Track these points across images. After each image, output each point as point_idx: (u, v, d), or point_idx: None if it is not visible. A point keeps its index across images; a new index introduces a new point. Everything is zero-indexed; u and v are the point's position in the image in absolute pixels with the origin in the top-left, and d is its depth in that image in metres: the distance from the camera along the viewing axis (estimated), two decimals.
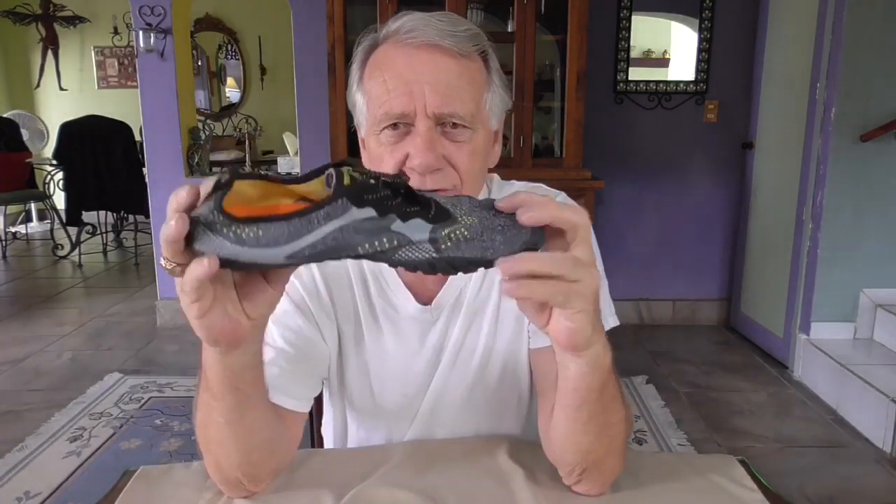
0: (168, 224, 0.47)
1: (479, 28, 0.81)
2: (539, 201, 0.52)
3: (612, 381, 0.66)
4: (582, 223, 0.54)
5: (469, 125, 0.75)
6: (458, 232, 0.50)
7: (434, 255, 0.50)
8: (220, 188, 0.47)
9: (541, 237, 0.53)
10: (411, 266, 0.51)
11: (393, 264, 0.51)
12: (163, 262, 0.50)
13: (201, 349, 0.61)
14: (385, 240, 0.50)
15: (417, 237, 0.50)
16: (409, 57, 0.74)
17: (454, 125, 0.74)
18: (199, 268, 0.48)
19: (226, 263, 0.48)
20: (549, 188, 0.92)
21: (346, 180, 0.48)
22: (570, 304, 0.54)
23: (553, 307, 0.56)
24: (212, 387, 0.64)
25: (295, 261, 0.49)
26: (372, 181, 0.49)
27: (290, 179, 0.50)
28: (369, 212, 0.49)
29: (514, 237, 0.52)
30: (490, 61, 0.79)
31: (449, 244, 0.50)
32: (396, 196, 0.50)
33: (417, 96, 0.72)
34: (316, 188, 0.50)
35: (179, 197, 0.48)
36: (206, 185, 0.48)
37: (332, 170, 0.49)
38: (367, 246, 0.49)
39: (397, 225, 0.50)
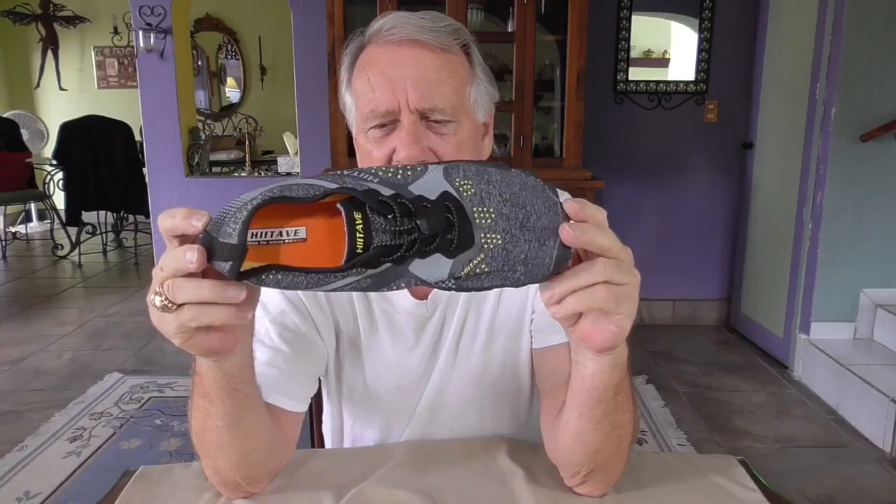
0: (185, 258, 0.47)
1: (477, 27, 0.82)
2: (590, 227, 0.51)
3: (627, 380, 0.66)
4: (615, 247, 0.52)
5: (452, 118, 0.76)
6: (479, 267, 0.49)
7: (454, 287, 0.50)
8: (234, 253, 0.46)
9: (565, 260, 0.51)
10: (427, 286, 0.50)
11: (410, 287, 0.51)
12: (157, 300, 0.50)
13: (193, 356, 0.61)
14: (403, 282, 0.49)
15: (436, 277, 0.49)
16: (391, 54, 0.75)
17: (438, 119, 0.75)
18: (226, 295, 0.49)
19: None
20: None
21: (360, 245, 0.47)
22: (620, 309, 0.54)
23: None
24: (209, 392, 0.64)
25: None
26: (392, 239, 0.47)
27: (303, 198, 0.48)
28: (386, 265, 0.48)
29: (536, 267, 0.49)
30: (472, 55, 0.80)
31: (470, 280, 0.49)
32: (413, 243, 0.48)
33: (400, 92, 0.73)
34: (331, 201, 0.49)
35: (192, 227, 0.48)
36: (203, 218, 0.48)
37: (343, 211, 0.48)
38: (384, 288, 0.49)
39: (416, 265, 0.48)
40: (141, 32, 3.31)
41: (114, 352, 3.24)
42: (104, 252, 5.38)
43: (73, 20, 6.55)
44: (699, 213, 3.57)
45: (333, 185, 0.48)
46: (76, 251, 5.16)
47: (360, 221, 0.48)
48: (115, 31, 6.57)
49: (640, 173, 3.52)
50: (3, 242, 5.43)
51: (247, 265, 0.47)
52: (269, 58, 6.59)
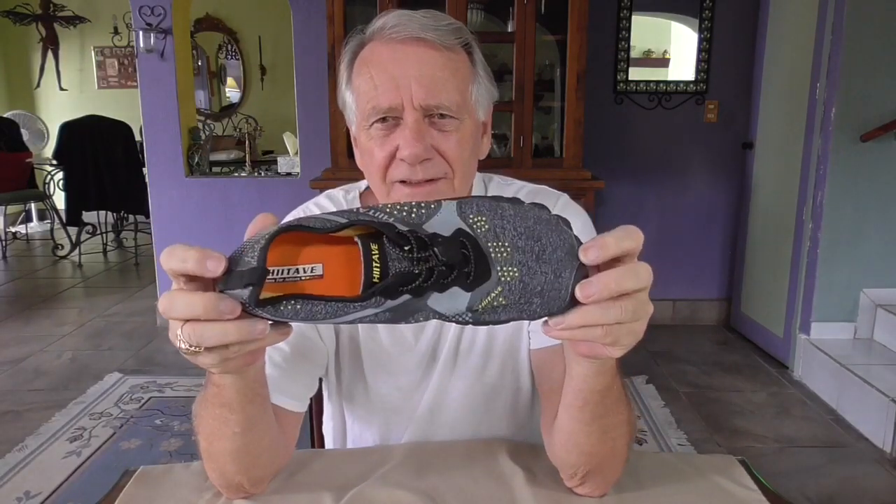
0: (212, 304, 0.46)
1: (477, 27, 0.82)
2: (609, 247, 0.49)
3: (617, 384, 0.66)
4: (640, 287, 0.51)
5: (455, 115, 0.76)
6: (497, 301, 0.49)
7: (470, 320, 0.50)
8: (254, 276, 0.46)
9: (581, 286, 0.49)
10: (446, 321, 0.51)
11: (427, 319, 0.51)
12: (182, 345, 0.49)
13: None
14: (422, 317, 0.49)
15: (454, 311, 0.49)
16: (394, 52, 0.75)
17: (441, 116, 0.75)
18: (253, 332, 0.48)
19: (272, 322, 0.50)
20: (551, 189, 0.92)
21: (376, 275, 0.47)
22: (621, 343, 0.53)
23: None
24: (229, 402, 0.63)
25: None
26: (410, 267, 0.47)
27: (319, 229, 0.48)
28: (405, 297, 0.48)
29: (552, 299, 0.49)
30: (474, 54, 0.80)
31: (487, 314, 0.49)
32: (431, 272, 0.47)
33: (404, 89, 0.73)
34: (353, 232, 0.49)
35: (210, 268, 0.46)
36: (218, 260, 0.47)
37: (359, 243, 0.48)
38: (402, 322, 0.49)
39: (434, 299, 0.48)
40: (141, 32, 3.31)
41: (114, 352, 3.24)
42: (104, 252, 5.38)
43: (73, 20, 6.55)
44: (699, 213, 3.57)
45: (346, 220, 0.48)
46: (76, 251, 5.16)
47: (377, 252, 0.48)
48: (115, 31, 6.57)
49: (640, 173, 3.52)
50: (3, 242, 5.43)
51: (265, 295, 0.47)
52: (269, 58, 6.59)
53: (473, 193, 0.87)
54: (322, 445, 1.02)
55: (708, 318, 3.66)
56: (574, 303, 0.49)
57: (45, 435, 2.38)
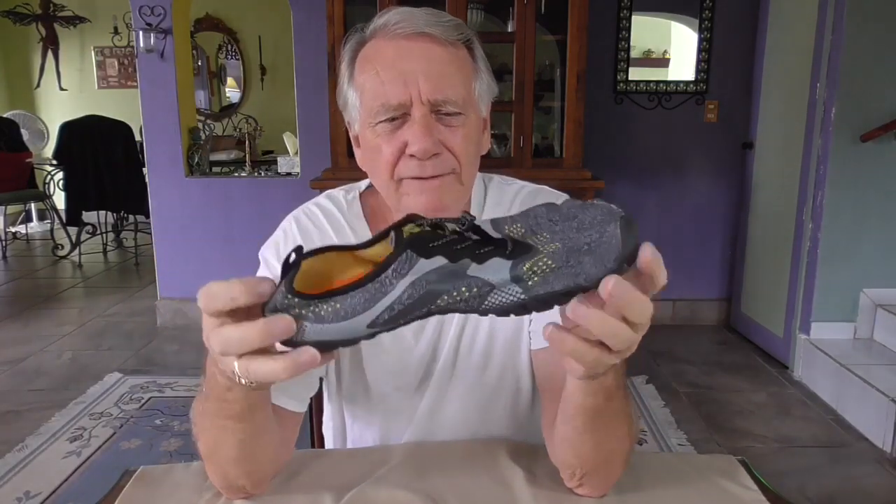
0: (266, 328, 0.46)
1: (477, 27, 0.82)
2: (659, 264, 0.46)
3: (616, 401, 0.64)
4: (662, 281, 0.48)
5: (461, 110, 0.76)
6: (541, 263, 0.45)
7: (523, 295, 0.45)
8: (288, 270, 0.46)
9: (632, 244, 0.45)
10: (502, 312, 0.47)
11: (483, 313, 0.47)
12: (243, 380, 0.50)
13: (208, 375, 0.60)
14: (464, 288, 0.46)
15: (498, 279, 0.45)
16: (399, 48, 0.75)
17: (447, 112, 0.75)
18: (301, 364, 0.47)
19: (315, 346, 0.47)
20: (552, 189, 0.92)
21: (407, 234, 0.46)
22: (599, 369, 0.52)
23: None
24: (238, 413, 0.63)
25: (377, 328, 0.47)
26: (437, 229, 0.46)
27: (355, 246, 0.48)
28: (439, 260, 0.45)
29: (604, 253, 0.45)
30: (475, 49, 0.80)
31: (536, 279, 0.45)
32: (465, 239, 0.46)
33: (412, 84, 0.73)
34: (383, 250, 0.48)
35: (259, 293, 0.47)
36: (256, 283, 0.47)
37: (393, 229, 0.47)
38: (445, 297, 0.46)
39: (473, 269, 0.45)
40: (141, 32, 3.31)
41: (114, 352, 3.24)
42: (104, 252, 5.38)
43: (73, 20, 6.55)
44: (699, 213, 3.57)
45: (380, 232, 0.48)
46: (76, 251, 5.16)
47: (409, 231, 0.47)
48: (115, 31, 6.57)
49: (640, 173, 3.52)
50: (3, 242, 5.43)
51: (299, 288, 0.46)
52: (269, 58, 6.58)
53: (473, 193, 0.88)
54: (322, 445, 1.02)
55: (708, 318, 3.66)
56: (630, 261, 0.45)
57: (45, 435, 2.37)
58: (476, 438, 0.89)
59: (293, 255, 0.47)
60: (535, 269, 0.45)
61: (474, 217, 0.48)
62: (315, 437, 1.06)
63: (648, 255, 0.45)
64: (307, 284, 0.47)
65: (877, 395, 2.34)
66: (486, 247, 0.46)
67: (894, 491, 2.08)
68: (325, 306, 0.46)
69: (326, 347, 0.48)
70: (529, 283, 0.45)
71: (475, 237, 0.46)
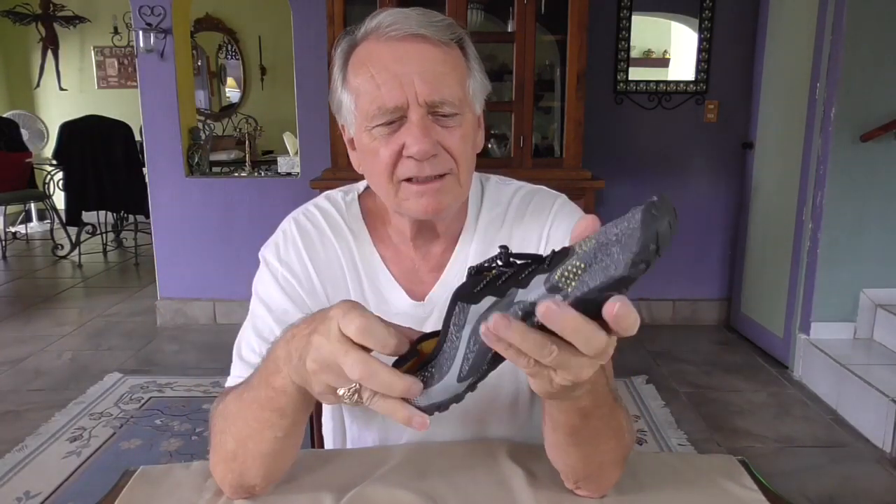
0: (410, 389, 0.54)
1: (477, 27, 0.83)
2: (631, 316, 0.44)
3: (596, 419, 0.64)
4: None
5: (458, 110, 0.76)
6: (571, 266, 0.45)
7: (561, 298, 0.45)
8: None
9: (666, 231, 0.43)
10: None
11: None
12: (347, 399, 0.57)
13: (265, 373, 0.65)
14: (517, 314, 0.47)
15: (537, 295, 0.46)
16: (393, 50, 0.75)
17: (444, 112, 0.75)
18: (414, 423, 0.55)
19: (426, 410, 0.55)
20: (549, 190, 0.92)
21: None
22: (552, 387, 0.52)
23: None
24: (283, 407, 0.65)
25: (467, 381, 0.52)
26: (480, 273, 0.50)
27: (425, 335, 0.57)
28: (488, 300, 0.48)
29: (629, 240, 0.43)
30: (466, 48, 0.80)
31: (572, 283, 0.44)
32: (506, 271, 0.48)
33: (408, 86, 0.73)
34: None
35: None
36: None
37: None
38: None
39: (520, 294, 0.47)
40: (141, 32, 3.31)
41: (114, 352, 3.24)
42: (104, 252, 5.38)
43: (73, 20, 6.55)
44: (699, 213, 3.57)
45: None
46: (76, 251, 5.16)
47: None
48: (115, 31, 6.57)
49: (640, 173, 3.52)
50: (3, 242, 5.43)
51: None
52: (269, 58, 6.59)
53: (470, 194, 0.87)
54: (322, 445, 1.02)
55: (708, 318, 3.66)
56: (658, 243, 0.43)
57: (45, 435, 2.37)
58: (476, 439, 0.88)
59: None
60: (567, 273, 0.45)
61: (507, 248, 0.50)
62: (315, 437, 1.06)
63: (615, 310, 0.43)
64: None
65: (877, 395, 2.34)
66: (528, 269, 0.47)
67: (894, 491, 2.08)
68: (422, 374, 0.53)
69: (439, 409, 0.55)
70: (568, 289, 0.45)
71: (519, 262, 0.48)
